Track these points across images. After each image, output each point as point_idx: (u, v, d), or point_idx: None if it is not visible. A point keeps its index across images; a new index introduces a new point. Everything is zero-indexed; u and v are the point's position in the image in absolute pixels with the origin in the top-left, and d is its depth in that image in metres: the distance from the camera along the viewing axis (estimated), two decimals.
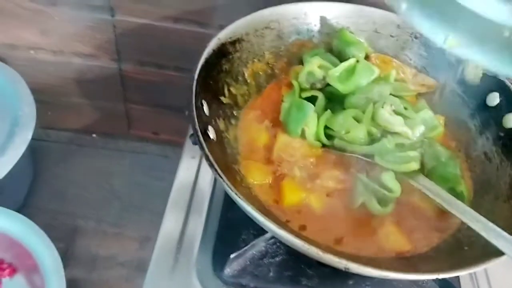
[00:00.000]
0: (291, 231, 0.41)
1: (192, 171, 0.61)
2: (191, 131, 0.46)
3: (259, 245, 0.49)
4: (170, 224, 0.54)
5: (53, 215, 0.70)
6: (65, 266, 0.62)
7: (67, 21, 0.67)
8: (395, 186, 0.48)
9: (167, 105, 0.77)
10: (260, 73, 0.58)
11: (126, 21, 0.67)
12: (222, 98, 0.54)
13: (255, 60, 0.58)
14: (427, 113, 0.54)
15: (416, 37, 0.60)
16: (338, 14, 0.60)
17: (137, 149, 0.79)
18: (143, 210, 0.70)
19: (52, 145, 0.77)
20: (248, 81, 0.57)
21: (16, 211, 0.66)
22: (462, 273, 0.42)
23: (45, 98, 0.74)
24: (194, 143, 0.45)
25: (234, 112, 0.55)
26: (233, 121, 0.54)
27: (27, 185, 0.71)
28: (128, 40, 0.69)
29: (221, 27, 0.65)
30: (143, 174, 0.75)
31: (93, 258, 0.66)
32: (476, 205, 0.51)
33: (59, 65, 0.73)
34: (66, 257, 0.65)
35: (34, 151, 0.68)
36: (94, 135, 0.81)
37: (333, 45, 0.60)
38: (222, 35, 0.54)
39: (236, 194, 0.40)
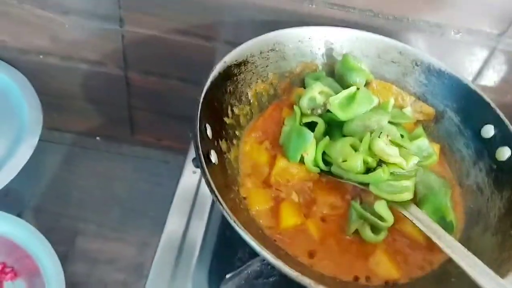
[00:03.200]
0: (287, 260, 0.43)
1: (194, 180, 0.62)
2: (193, 154, 0.47)
3: (254, 265, 0.51)
4: (170, 234, 0.56)
5: (55, 218, 0.71)
6: (65, 269, 0.64)
7: (77, 29, 0.69)
8: (388, 216, 0.49)
9: (170, 112, 0.78)
10: (263, 93, 0.60)
11: (134, 32, 0.68)
12: (225, 118, 0.55)
13: (259, 80, 0.59)
14: (423, 142, 0.56)
15: (417, 64, 0.61)
16: (342, 38, 0.61)
17: (140, 154, 0.80)
18: (143, 215, 0.72)
19: (55, 147, 0.79)
20: (251, 101, 0.59)
21: (19, 213, 0.68)
22: None
23: (51, 100, 0.76)
24: (196, 167, 0.47)
25: (236, 132, 0.56)
26: (235, 141, 0.56)
27: (32, 188, 0.73)
28: (135, 50, 0.70)
29: (227, 42, 0.67)
30: (144, 180, 0.77)
31: (93, 262, 0.68)
32: (465, 235, 0.53)
33: (67, 70, 0.74)
34: (66, 260, 0.67)
35: (37, 152, 0.69)
36: (97, 138, 0.82)
37: (336, 69, 0.61)
38: (228, 58, 0.55)
39: (235, 222, 0.42)
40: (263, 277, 0.51)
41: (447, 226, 0.50)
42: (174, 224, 0.57)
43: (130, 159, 0.79)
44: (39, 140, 0.66)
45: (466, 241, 0.52)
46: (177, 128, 0.79)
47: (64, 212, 0.72)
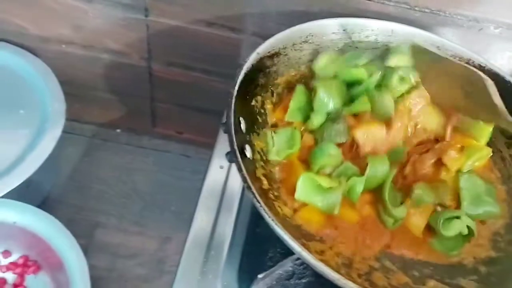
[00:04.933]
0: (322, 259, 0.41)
1: (222, 175, 0.60)
2: (219, 149, 0.45)
3: (286, 265, 0.49)
4: (199, 230, 0.54)
5: (76, 210, 0.70)
6: None
7: (101, 18, 0.67)
8: None
9: (193, 105, 0.76)
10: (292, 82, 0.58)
11: (159, 22, 0.66)
12: (257, 112, 0.53)
13: (292, 72, 0.57)
14: None
15: (455, 58, 0.59)
16: (377, 31, 0.59)
17: (161, 147, 0.79)
18: (164, 209, 0.71)
19: (76, 138, 0.78)
20: (281, 91, 0.57)
21: (40, 204, 0.66)
22: None
23: (72, 90, 0.74)
24: (230, 161, 0.45)
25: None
26: None
27: (52, 179, 0.71)
28: (159, 40, 0.69)
29: (253, 34, 0.65)
30: (165, 173, 0.75)
31: (113, 256, 0.67)
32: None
33: (89, 60, 0.72)
34: (86, 254, 0.65)
35: (58, 143, 0.68)
36: (118, 130, 0.80)
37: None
38: (261, 50, 0.53)
39: (275, 223, 0.40)
40: (295, 278, 0.49)
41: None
42: (202, 220, 0.55)
43: (151, 152, 0.78)
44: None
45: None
46: (199, 121, 0.77)
47: (84, 204, 0.71)
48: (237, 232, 0.54)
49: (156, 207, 0.72)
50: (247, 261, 0.52)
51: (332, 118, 0.52)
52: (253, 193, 0.42)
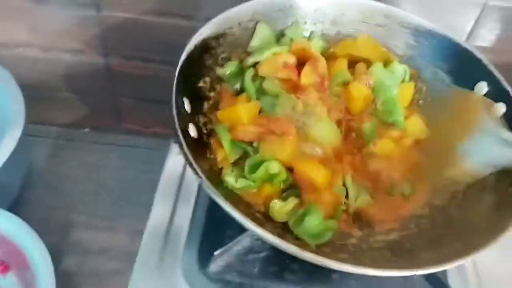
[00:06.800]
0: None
1: (179, 165, 0.61)
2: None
3: (244, 240, 0.49)
4: (157, 220, 0.55)
5: (47, 210, 0.70)
6: (58, 259, 0.63)
7: (55, 18, 0.67)
8: None
9: (155, 98, 0.76)
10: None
11: (111, 16, 0.66)
12: (206, 93, 0.53)
13: (241, 53, 0.57)
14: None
15: (404, 27, 0.59)
16: (324, 4, 0.59)
17: (128, 143, 0.78)
18: (134, 203, 0.70)
19: (43, 140, 0.77)
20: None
21: (10, 206, 0.67)
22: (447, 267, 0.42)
23: (35, 93, 0.73)
24: (175, 143, 0.45)
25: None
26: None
27: (21, 181, 0.71)
28: (114, 35, 0.69)
29: (207, 20, 0.65)
30: (134, 168, 0.75)
31: (85, 252, 0.67)
32: (462, 195, 0.51)
33: (48, 61, 0.73)
34: (59, 252, 0.65)
35: (26, 147, 0.68)
36: (85, 130, 0.81)
37: None
38: (204, 30, 0.53)
39: (217, 195, 0.40)
40: (254, 252, 0.49)
41: None
42: (160, 208, 0.56)
43: (119, 148, 0.78)
44: (27, 135, 0.65)
45: (463, 201, 0.50)
46: (163, 114, 0.77)
47: (55, 204, 0.71)
48: (196, 217, 0.55)
49: (126, 202, 0.72)
50: (207, 242, 0.52)
51: None
52: (194, 169, 0.42)
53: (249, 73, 0.55)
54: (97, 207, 0.71)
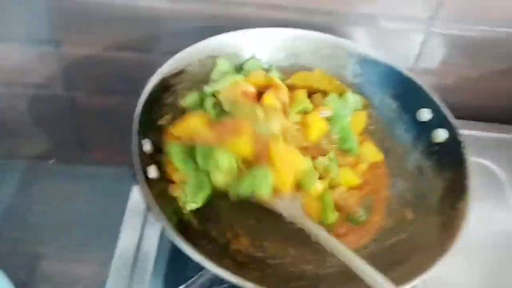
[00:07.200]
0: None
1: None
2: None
3: (207, 274, 0.52)
4: (124, 249, 0.56)
5: (14, 244, 0.70)
6: None
7: (17, 55, 0.68)
8: None
9: (119, 128, 0.77)
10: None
11: (72, 53, 0.68)
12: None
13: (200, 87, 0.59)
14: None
15: (351, 56, 0.62)
16: (275, 38, 0.61)
17: (95, 173, 0.80)
18: (103, 234, 0.71)
19: (9, 175, 0.78)
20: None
21: None
22: None
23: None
24: (136, 183, 0.47)
25: None
26: None
27: None
28: (76, 70, 0.70)
29: (165, 53, 0.67)
30: (101, 198, 0.76)
31: (55, 285, 0.68)
32: (410, 218, 0.55)
33: (11, 96, 0.73)
34: (28, 286, 0.66)
35: None
36: (51, 161, 0.81)
37: None
38: (164, 69, 0.55)
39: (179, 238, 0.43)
40: (216, 285, 0.52)
41: None
42: (127, 238, 0.57)
43: (85, 178, 0.79)
44: None
45: (411, 223, 0.54)
46: (128, 144, 0.79)
47: (23, 237, 0.72)
48: (162, 246, 0.56)
49: (95, 232, 0.73)
50: (172, 273, 0.54)
51: None
52: (155, 213, 0.44)
53: (210, 101, 0.56)
54: (66, 238, 0.72)
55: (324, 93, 0.61)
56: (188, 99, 0.57)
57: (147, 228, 0.58)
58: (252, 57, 0.61)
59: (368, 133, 0.61)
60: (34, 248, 0.71)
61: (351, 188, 0.56)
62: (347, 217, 0.54)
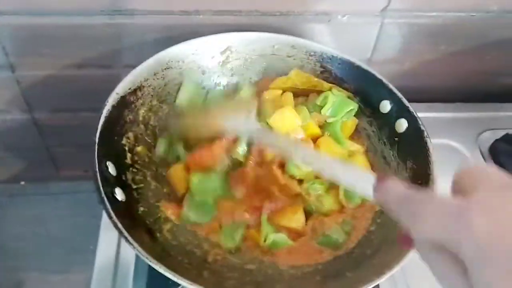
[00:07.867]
0: None
1: None
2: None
3: None
4: (102, 268, 0.57)
5: None
6: None
7: None
8: None
9: (89, 143, 0.78)
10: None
11: (28, 75, 0.67)
12: (131, 149, 0.55)
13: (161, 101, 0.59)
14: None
15: (311, 55, 0.62)
16: (233, 43, 0.61)
17: (70, 190, 0.79)
18: (83, 251, 0.72)
19: None
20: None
21: None
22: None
23: None
24: (103, 210, 0.47)
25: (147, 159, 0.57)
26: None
27: None
28: (35, 92, 0.69)
29: (126, 66, 0.66)
30: (78, 214, 0.76)
31: None
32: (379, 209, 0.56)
33: None
34: None
35: None
36: (22, 183, 0.81)
37: None
38: (120, 89, 0.54)
39: (148, 258, 0.43)
40: None
41: None
42: (105, 251, 0.58)
43: (60, 196, 0.79)
44: None
45: (380, 214, 0.55)
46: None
47: (2, 264, 0.71)
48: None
49: (76, 250, 0.73)
50: (153, 285, 0.54)
51: None
52: (125, 237, 0.44)
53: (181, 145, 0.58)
54: (48, 260, 0.72)
55: (312, 92, 0.62)
56: (158, 146, 0.58)
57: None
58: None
59: None
60: (15, 275, 0.71)
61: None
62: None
